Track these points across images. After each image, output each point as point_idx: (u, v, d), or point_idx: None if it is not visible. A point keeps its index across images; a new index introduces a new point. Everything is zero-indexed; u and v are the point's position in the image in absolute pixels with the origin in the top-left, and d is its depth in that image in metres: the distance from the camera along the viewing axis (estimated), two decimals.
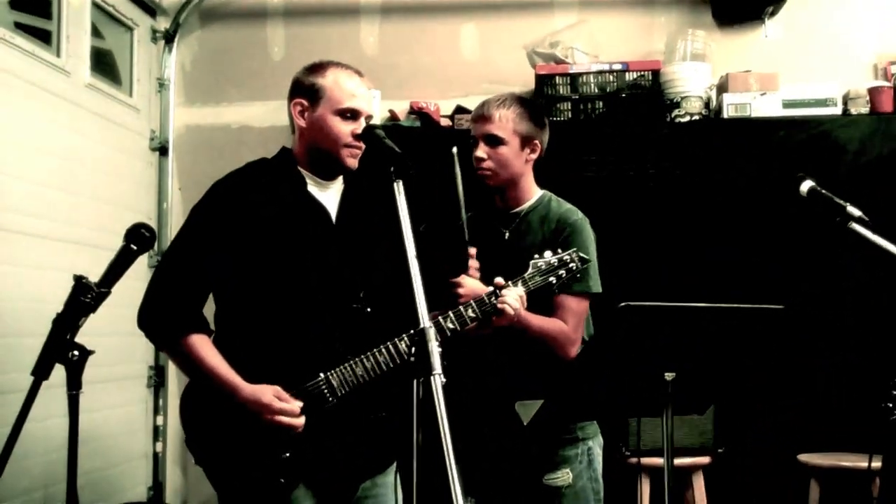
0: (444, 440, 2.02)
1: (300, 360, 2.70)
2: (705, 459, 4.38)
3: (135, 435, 4.75)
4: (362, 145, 2.79)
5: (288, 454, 2.66)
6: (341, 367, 2.70)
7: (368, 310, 2.81)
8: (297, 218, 2.78)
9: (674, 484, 2.69)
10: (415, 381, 2.19)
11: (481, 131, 3.16)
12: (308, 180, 2.85)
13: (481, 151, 3.15)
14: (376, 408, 2.80)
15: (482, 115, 3.18)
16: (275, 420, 2.62)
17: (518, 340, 2.99)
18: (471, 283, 2.98)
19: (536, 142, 3.20)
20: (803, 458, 4.38)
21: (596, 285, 3.13)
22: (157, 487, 5.04)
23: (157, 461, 5.05)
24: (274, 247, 2.73)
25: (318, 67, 2.85)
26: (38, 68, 4.05)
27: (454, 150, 3.06)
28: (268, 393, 2.64)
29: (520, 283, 2.86)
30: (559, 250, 2.91)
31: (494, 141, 3.14)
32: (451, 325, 2.78)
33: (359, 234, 2.87)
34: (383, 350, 2.71)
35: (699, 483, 4.39)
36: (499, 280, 2.84)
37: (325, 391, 2.70)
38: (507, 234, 3.21)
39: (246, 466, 2.67)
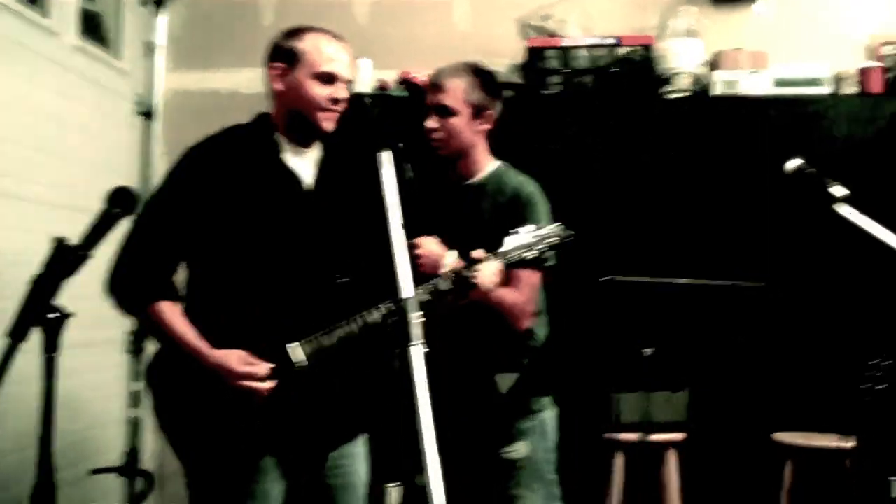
0: (418, 412, 2.02)
1: (271, 330, 2.67)
2: (679, 436, 4.35)
3: (112, 400, 4.73)
4: (339, 109, 2.78)
5: (254, 424, 2.64)
6: (312, 336, 2.68)
7: (342, 280, 2.79)
8: (268, 185, 2.75)
9: (647, 461, 2.70)
10: (395, 352, 2.19)
11: (433, 100, 3.14)
12: (283, 146, 2.82)
13: (432, 121, 3.14)
14: (346, 378, 2.78)
15: (434, 84, 3.16)
16: (240, 384, 2.61)
17: (477, 312, 2.94)
18: (429, 245, 2.96)
19: (489, 112, 3.17)
20: (778, 436, 4.39)
21: (551, 258, 3.08)
22: (133, 453, 5.01)
23: (135, 426, 5.02)
24: (244, 214, 2.70)
25: (297, 31, 2.82)
26: (24, 28, 4.01)
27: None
28: (233, 357, 2.62)
29: (498, 258, 2.81)
30: (542, 224, 2.88)
31: (445, 111, 3.12)
32: (424, 297, 2.72)
33: (335, 202, 2.85)
34: (354, 321, 2.69)
35: (672, 460, 4.37)
36: (478, 253, 2.80)
37: (297, 360, 2.68)
38: (462, 205, 3.18)
39: (212, 435, 2.65)
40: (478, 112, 3.15)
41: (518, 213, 3.05)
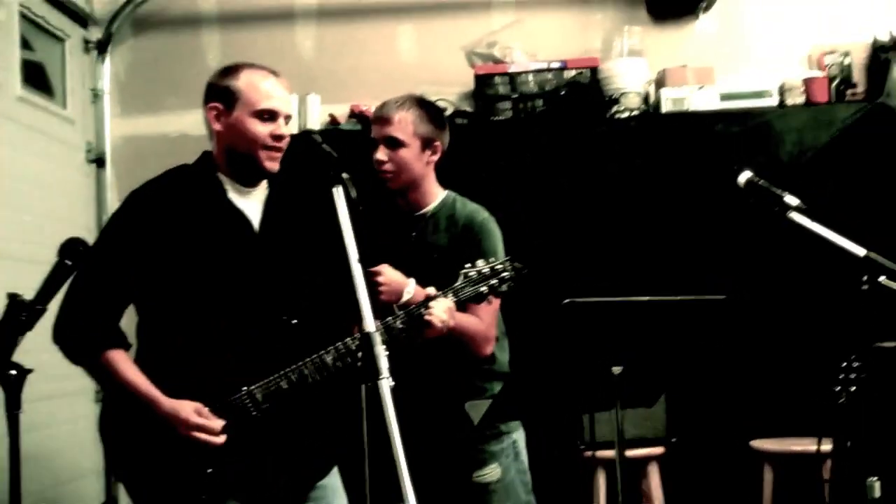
0: (393, 443, 2.01)
1: (223, 375, 2.63)
2: (659, 450, 4.42)
3: (84, 451, 4.66)
4: (282, 146, 2.73)
5: (210, 470, 2.59)
6: (266, 380, 2.64)
7: (293, 322, 2.76)
8: (215, 226, 2.71)
9: (629, 475, 2.71)
10: (363, 386, 2.18)
11: (381, 133, 3.12)
12: (228, 187, 2.77)
13: (381, 154, 3.11)
14: (306, 417, 2.74)
15: (381, 117, 3.13)
16: (192, 436, 2.55)
17: (439, 340, 2.88)
18: (389, 273, 2.94)
19: (437, 143, 3.17)
20: (755, 444, 4.43)
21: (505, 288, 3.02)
22: (112, 502, 4.95)
23: (110, 477, 4.94)
24: (192, 257, 2.65)
25: (230, 70, 2.77)
26: None
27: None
28: (186, 408, 2.57)
29: (450, 294, 2.77)
30: (492, 259, 2.84)
31: (394, 143, 3.10)
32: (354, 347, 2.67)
33: (283, 243, 2.81)
34: (309, 363, 2.65)
35: (654, 473, 4.42)
36: (429, 290, 2.77)
37: (249, 405, 2.63)
38: (414, 236, 3.17)
39: (167, 483, 2.60)
40: (427, 144, 3.14)
41: (472, 242, 3.05)
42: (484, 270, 2.80)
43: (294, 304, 2.77)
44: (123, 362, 2.63)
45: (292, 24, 5.31)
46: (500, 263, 2.82)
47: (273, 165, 2.74)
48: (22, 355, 2.44)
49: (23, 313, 2.26)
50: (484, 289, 2.79)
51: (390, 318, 2.74)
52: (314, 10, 5.32)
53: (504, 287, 2.80)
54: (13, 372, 2.21)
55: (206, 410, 2.58)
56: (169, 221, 2.67)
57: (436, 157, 3.18)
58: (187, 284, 2.65)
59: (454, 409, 3.04)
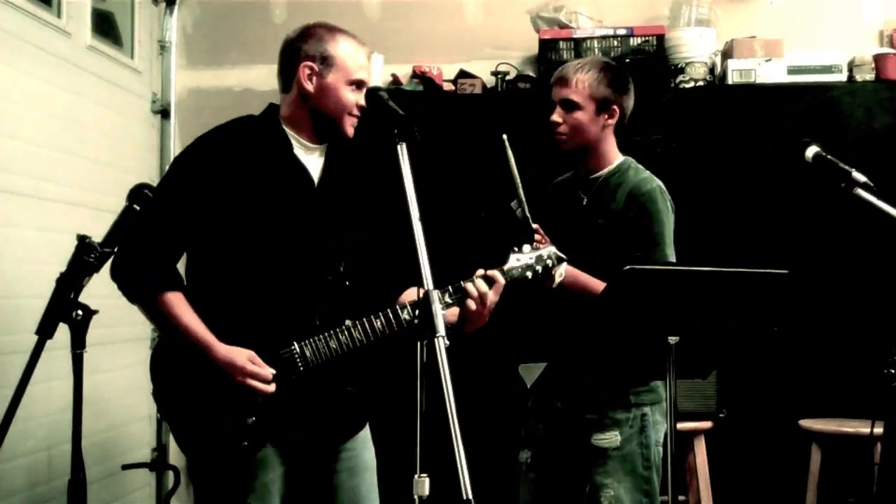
0: (448, 403, 2.01)
1: (274, 327, 2.67)
2: (707, 424, 4.39)
3: (138, 397, 4.75)
4: (359, 115, 2.78)
5: (253, 419, 2.65)
6: (315, 338, 2.68)
7: (347, 282, 2.79)
8: (278, 179, 2.74)
9: (676, 448, 2.70)
10: (419, 344, 2.19)
11: (558, 95, 3.13)
12: (293, 142, 2.80)
13: (557, 116, 3.13)
14: (345, 381, 2.79)
15: (560, 79, 3.14)
16: (245, 382, 2.61)
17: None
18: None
19: (615, 107, 3.14)
20: (805, 423, 4.39)
21: (671, 252, 3.08)
22: (161, 449, 5.05)
23: (161, 423, 5.03)
24: (252, 207, 2.69)
25: (325, 33, 2.79)
26: (38, 29, 4.02)
27: (504, 137, 3.05)
28: (242, 355, 2.62)
29: (497, 272, 2.74)
30: (538, 246, 2.82)
31: (570, 105, 3.11)
32: (406, 317, 2.69)
33: (341, 201, 2.84)
34: (359, 325, 2.68)
35: (701, 447, 4.40)
36: (479, 271, 2.73)
37: (298, 360, 2.67)
38: (586, 200, 3.18)
39: (210, 426, 2.66)
40: (603, 107, 3.12)
41: (635, 212, 3.05)
42: (529, 257, 2.79)
43: (349, 266, 2.81)
44: (181, 304, 2.66)
45: None
46: (545, 251, 2.81)
47: (352, 131, 2.80)
48: (84, 299, 2.50)
49: (91, 255, 2.30)
50: (528, 273, 2.78)
51: (440, 291, 2.68)
52: None
53: (545, 275, 2.81)
54: (80, 312, 2.26)
55: (258, 359, 2.63)
56: (232, 169, 2.70)
57: (613, 122, 3.16)
58: (244, 233, 2.69)
59: (589, 370, 3.04)
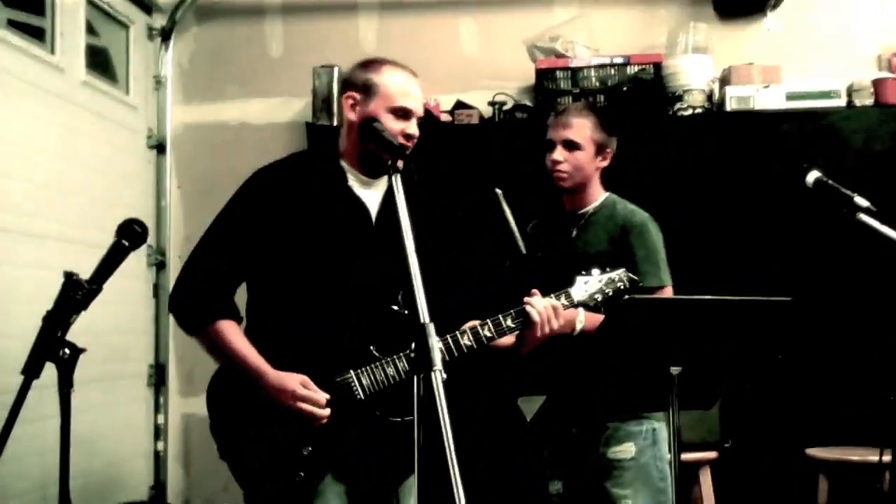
0: (444, 437, 1.98)
1: (331, 358, 2.66)
2: (712, 454, 4.34)
3: (135, 434, 4.71)
4: (411, 145, 2.74)
5: (310, 448, 2.62)
6: (372, 365, 2.66)
7: (406, 312, 2.75)
8: (336, 214, 2.74)
9: (681, 479, 2.66)
10: (415, 378, 2.16)
11: (560, 136, 3.30)
12: (350, 176, 2.79)
13: (559, 155, 3.28)
14: (402, 410, 2.71)
15: (562, 122, 3.32)
16: (298, 406, 2.59)
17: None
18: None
19: (608, 150, 3.36)
20: (811, 452, 4.33)
21: (668, 277, 3.26)
22: (159, 487, 5.00)
23: (159, 460, 5.01)
24: (311, 241, 2.69)
25: (373, 63, 2.81)
26: (32, 65, 4.01)
27: (498, 192, 3.13)
28: (294, 380, 2.60)
29: (562, 297, 2.85)
30: (607, 269, 2.91)
31: (572, 146, 3.28)
32: (467, 342, 2.73)
33: (398, 236, 2.82)
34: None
35: (706, 478, 4.34)
36: (534, 291, 2.81)
37: (354, 388, 2.65)
38: (574, 233, 3.32)
39: (265, 458, 2.63)
40: (600, 149, 3.33)
41: (628, 242, 3.22)
42: (601, 279, 2.89)
43: (407, 296, 2.77)
44: (234, 333, 2.68)
45: (355, 15, 5.31)
46: (616, 274, 2.90)
47: (399, 163, 2.72)
48: (79, 336, 2.45)
49: (78, 292, 2.26)
50: (599, 296, 2.87)
51: (479, 325, 2.76)
52: (377, 1, 5.31)
53: (616, 296, 2.87)
54: (66, 351, 2.21)
55: (311, 384, 2.61)
56: (290, 203, 2.71)
57: (605, 163, 3.37)
58: (301, 267, 2.69)
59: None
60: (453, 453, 1.97)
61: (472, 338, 2.71)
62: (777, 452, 4.49)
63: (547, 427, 3.29)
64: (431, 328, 2.14)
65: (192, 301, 2.72)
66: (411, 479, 2.76)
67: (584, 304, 2.89)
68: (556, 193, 3.36)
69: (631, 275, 2.93)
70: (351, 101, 2.76)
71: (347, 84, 2.82)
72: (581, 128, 3.29)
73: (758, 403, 4.42)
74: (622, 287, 2.89)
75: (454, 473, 1.96)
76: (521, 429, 3.33)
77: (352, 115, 2.76)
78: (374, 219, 2.79)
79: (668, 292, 3.21)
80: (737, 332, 2.58)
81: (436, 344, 2.12)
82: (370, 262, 2.73)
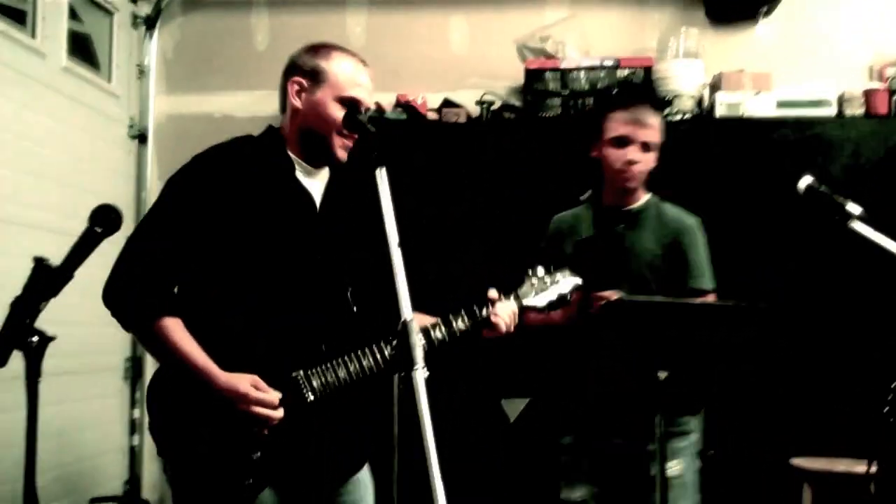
0: (424, 436, 1.91)
1: (278, 354, 2.54)
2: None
3: (110, 428, 4.63)
4: (355, 136, 2.63)
5: (259, 454, 2.51)
6: (322, 366, 2.56)
7: (354, 308, 2.68)
8: (279, 203, 2.62)
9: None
10: (395, 376, 2.10)
11: (641, 136, 3.33)
12: (296, 165, 2.69)
13: (636, 155, 3.32)
14: (352, 411, 2.66)
15: (640, 121, 3.35)
16: (251, 410, 2.46)
17: None
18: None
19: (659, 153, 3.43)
20: (796, 462, 4.27)
21: (713, 280, 3.35)
22: (134, 481, 4.93)
23: (134, 455, 4.94)
24: (253, 230, 2.56)
25: (322, 49, 2.70)
26: (11, 49, 3.93)
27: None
28: (245, 381, 2.47)
29: (512, 298, 2.80)
30: (552, 268, 2.88)
31: (648, 147, 3.35)
32: (438, 335, 2.67)
33: (343, 227, 2.73)
34: (368, 354, 2.58)
35: None
36: (492, 293, 2.77)
37: (304, 389, 2.55)
38: (622, 229, 3.36)
39: (212, 463, 2.50)
40: (659, 150, 3.40)
41: (677, 244, 3.33)
42: (545, 280, 2.85)
43: (355, 292, 2.70)
44: (179, 331, 2.51)
45: (343, 9, 5.25)
46: (560, 276, 2.86)
47: (343, 154, 2.66)
48: (51, 326, 2.38)
49: (49, 278, 2.18)
50: (544, 301, 2.83)
51: (451, 315, 2.71)
52: None
53: (561, 302, 2.86)
54: (34, 339, 2.13)
55: (262, 384, 2.49)
56: (233, 190, 2.57)
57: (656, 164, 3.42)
58: (245, 257, 2.56)
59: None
60: (434, 453, 1.90)
61: (423, 339, 2.60)
62: (761, 462, 4.45)
63: (584, 437, 3.31)
64: (414, 325, 2.07)
65: (130, 297, 2.52)
66: (351, 482, 2.72)
67: (533, 308, 2.83)
68: (597, 189, 3.40)
69: (575, 279, 2.88)
70: (297, 87, 2.67)
71: (294, 68, 2.70)
72: (657, 129, 3.35)
73: (742, 412, 4.38)
74: (567, 291, 2.86)
75: (433, 475, 1.89)
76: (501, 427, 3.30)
77: (297, 102, 2.67)
78: (318, 209, 2.70)
79: (713, 297, 3.30)
80: (720, 336, 2.56)
81: (417, 341, 2.05)
82: (317, 256, 2.64)
